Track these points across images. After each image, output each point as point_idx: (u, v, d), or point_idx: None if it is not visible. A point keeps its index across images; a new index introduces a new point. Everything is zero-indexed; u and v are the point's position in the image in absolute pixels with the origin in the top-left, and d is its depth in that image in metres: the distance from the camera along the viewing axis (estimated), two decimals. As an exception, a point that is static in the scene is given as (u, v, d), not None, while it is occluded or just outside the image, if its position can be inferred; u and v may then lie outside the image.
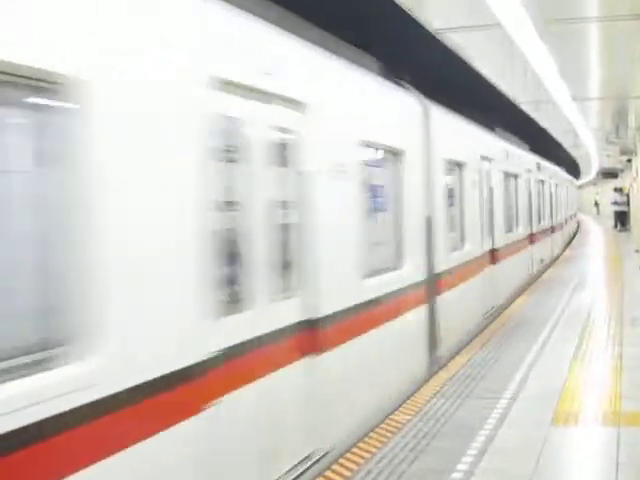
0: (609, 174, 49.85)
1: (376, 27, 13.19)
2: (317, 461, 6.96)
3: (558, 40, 12.63)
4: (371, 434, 7.91)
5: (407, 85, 11.37)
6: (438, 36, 11.50)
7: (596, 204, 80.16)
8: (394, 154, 9.99)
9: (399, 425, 8.20)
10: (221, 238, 5.58)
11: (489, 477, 6.67)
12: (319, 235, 7.10)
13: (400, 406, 8.93)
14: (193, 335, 5.14)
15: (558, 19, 11.23)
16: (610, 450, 7.19)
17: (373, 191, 9.40)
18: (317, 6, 9.62)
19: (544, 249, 25.44)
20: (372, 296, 8.62)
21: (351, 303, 7.99)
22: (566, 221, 36.78)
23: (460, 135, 14.01)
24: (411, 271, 10.26)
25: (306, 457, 6.81)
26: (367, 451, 7.40)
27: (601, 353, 11.40)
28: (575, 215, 48.84)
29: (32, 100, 4.14)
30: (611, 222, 49.02)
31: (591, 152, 39.21)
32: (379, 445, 7.56)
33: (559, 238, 31.42)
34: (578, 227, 50.53)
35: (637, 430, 7.76)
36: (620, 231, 44.01)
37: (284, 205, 6.72)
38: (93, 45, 4.30)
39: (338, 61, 8.38)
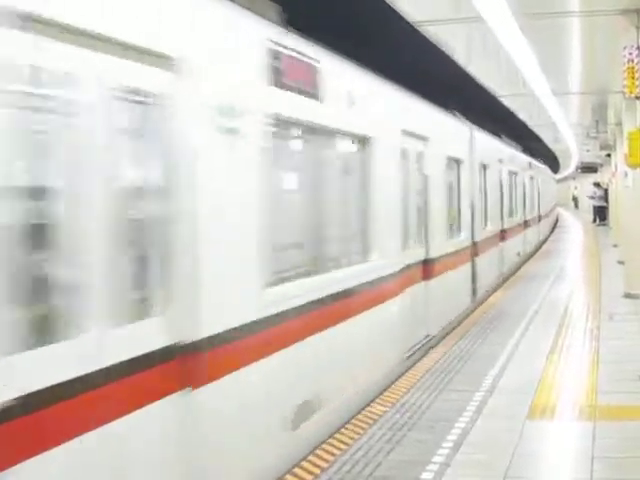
0: (589, 169, 49.98)
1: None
2: None
3: (539, 34, 12.67)
4: (347, 425, 7.90)
5: (458, 115, 16.16)
6: (418, 27, 11.51)
7: (574, 199, 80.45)
8: (457, 162, 15.14)
9: (375, 417, 8.19)
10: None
11: (465, 469, 6.67)
12: None
13: (377, 397, 8.94)
14: None
15: (539, 13, 11.26)
16: (585, 444, 7.21)
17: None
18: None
19: (517, 245, 24.80)
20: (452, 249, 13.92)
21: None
22: (543, 215, 36.81)
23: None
24: (466, 237, 15.65)
25: None
26: (343, 442, 7.39)
27: (578, 347, 11.45)
28: (553, 209, 48.95)
29: None
30: (590, 216, 49.25)
31: (571, 147, 39.37)
32: (355, 436, 7.55)
33: (534, 233, 31.16)
34: (557, 222, 50.71)
35: (612, 424, 7.78)
36: (598, 225, 44.19)
37: None
38: None
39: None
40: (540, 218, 34.25)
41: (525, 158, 28.35)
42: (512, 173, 23.54)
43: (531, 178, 30.42)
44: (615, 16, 11.51)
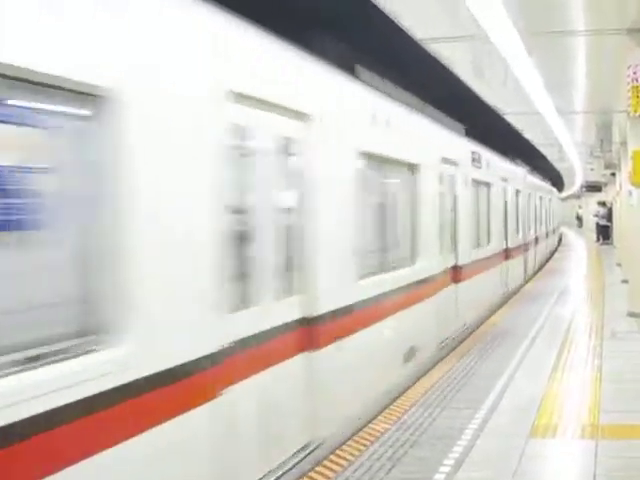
0: (593, 187, 50.01)
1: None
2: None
3: (544, 53, 12.69)
4: (349, 442, 7.89)
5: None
6: (422, 44, 11.54)
7: (578, 218, 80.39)
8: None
9: (377, 434, 8.18)
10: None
11: (466, 487, 6.67)
12: None
13: (380, 413, 8.93)
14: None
15: (544, 32, 11.29)
16: (587, 463, 7.19)
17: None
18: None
19: (534, 252, 27.95)
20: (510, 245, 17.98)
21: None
22: (547, 234, 37.06)
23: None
24: (498, 244, 19.19)
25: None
26: (344, 459, 7.38)
27: (581, 365, 11.42)
28: (557, 228, 48.97)
29: None
30: (593, 235, 49.22)
31: (575, 165, 39.38)
32: (357, 453, 7.54)
33: (537, 253, 31.30)
34: (560, 240, 50.68)
35: (615, 443, 7.76)
36: (602, 244, 44.15)
37: None
38: None
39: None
40: (547, 235, 36.07)
41: (534, 180, 29.35)
42: (517, 192, 24.25)
43: (540, 198, 31.97)
44: (620, 35, 11.53)
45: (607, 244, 42.69)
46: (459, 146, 15.54)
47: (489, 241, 18.52)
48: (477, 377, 10.77)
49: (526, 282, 24.33)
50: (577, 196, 72.73)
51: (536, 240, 29.51)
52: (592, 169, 37.33)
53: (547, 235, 35.80)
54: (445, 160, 13.59)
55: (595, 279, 25.13)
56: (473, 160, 16.66)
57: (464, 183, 15.21)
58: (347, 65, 9.24)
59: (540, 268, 30.21)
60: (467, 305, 14.75)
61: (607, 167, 31.94)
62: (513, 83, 15.30)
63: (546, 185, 37.59)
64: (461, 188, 14.90)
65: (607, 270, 27.69)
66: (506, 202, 21.31)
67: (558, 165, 41.03)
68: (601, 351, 12.42)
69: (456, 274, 14.21)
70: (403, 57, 12.99)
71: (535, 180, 30.45)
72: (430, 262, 12.19)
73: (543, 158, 35.22)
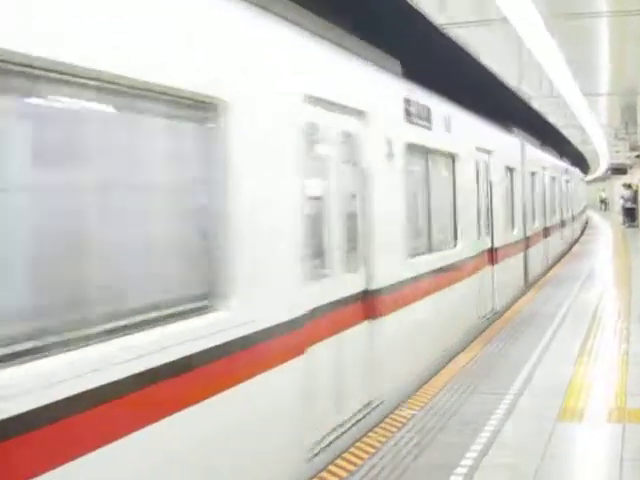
0: (618, 170, 49.69)
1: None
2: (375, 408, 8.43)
3: (567, 35, 12.61)
4: (376, 428, 7.90)
5: (514, 130, 19.13)
6: (442, 29, 11.49)
7: (602, 201, 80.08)
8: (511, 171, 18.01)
9: (404, 420, 8.19)
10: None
11: (493, 472, 6.66)
12: None
13: (409, 398, 8.94)
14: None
15: (567, 13, 11.20)
16: (615, 446, 7.17)
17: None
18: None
19: (557, 240, 28.05)
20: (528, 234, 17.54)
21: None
22: (577, 215, 37.60)
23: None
24: (520, 231, 18.72)
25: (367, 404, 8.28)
26: (371, 445, 7.39)
27: (608, 349, 11.38)
28: (584, 211, 48.91)
29: None
30: (619, 218, 48.96)
31: (600, 148, 39.16)
32: (383, 439, 7.55)
33: (569, 231, 32.29)
34: (586, 223, 50.48)
35: (642, 426, 7.74)
36: (628, 227, 43.90)
37: None
38: None
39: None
40: (574, 218, 36.34)
41: (562, 164, 29.90)
42: (552, 178, 26.29)
43: (566, 182, 32.69)
44: (644, 16, 11.44)
45: (633, 226, 42.45)
46: (492, 135, 16.36)
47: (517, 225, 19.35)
48: (504, 361, 10.75)
49: (552, 265, 25.07)
50: (603, 179, 72.38)
51: (562, 224, 30.24)
52: (617, 151, 37.10)
53: (573, 219, 36.20)
54: (479, 149, 14.53)
55: (621, 262, 25.01)
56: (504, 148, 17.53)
57: (497, 170, 16.13)
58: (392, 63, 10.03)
59: (567, 251, 30.44)
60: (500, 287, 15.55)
61: (632, 149, 31.74)
62: (536, 66, 15.22)
63: (573, 169, 37.78)
64: (495, 175, 15.84)
65: (633, 253, 27.53)
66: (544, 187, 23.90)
67: (583, 148, 40.80)
68: (628, 334, 12.36)
69: (492, 256, 15.12)
70: (426, 44, 12.98)
71: (562, 164, 31.15)
72: (469, 244, 13.22)
73: (567, 141, 35.05)
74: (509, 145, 18.49)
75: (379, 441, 7.51)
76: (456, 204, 12.70)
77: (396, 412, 8.48)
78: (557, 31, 12.10)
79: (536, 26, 11.59)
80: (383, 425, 8.02)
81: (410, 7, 10.24)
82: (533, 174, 21.63)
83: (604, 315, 14.52)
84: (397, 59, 10.11)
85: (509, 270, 16.73)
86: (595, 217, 62.60)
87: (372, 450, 7.26)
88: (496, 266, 15.26)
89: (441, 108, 11.72)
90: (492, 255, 15.09)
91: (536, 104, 21.89)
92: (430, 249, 11.19)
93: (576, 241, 35.03)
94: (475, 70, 15.36)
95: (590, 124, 27.15)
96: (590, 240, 37.38)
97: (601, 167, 56.11)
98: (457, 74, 15.79)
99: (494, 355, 11.20)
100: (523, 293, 18.18)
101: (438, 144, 11.65)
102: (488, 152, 15.25)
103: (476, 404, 8.72)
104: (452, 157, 12.58)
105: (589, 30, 12.67)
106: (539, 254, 22.12)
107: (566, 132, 31.48)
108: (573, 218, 36.01)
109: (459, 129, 12.63)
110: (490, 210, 15.26)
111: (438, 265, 11.18)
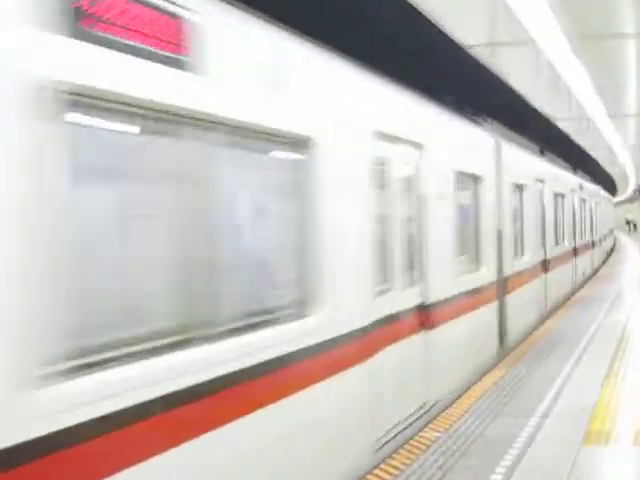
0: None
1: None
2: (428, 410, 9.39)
3: (593, 56, 12.58)
4: (400, 450, 7.88)
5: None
6: (471, 51, 11.50)
7: (628, 222, 79.82)
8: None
9: (428, 442, 8.16)
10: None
11: (517, 496, 6.62)
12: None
13: (432, 421, 8.91)
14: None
15: (593, 35, 11.18)
16: (641, 470, 7.12)
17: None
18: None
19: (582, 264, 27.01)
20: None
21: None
22: (597, 242, 35.39)
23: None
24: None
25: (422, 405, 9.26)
26: (395, 467, 7.37)
27: (634, 373, 11.29)
28: (609, 235, 48.12)
29: None
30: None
31: (628, 169, 38.98)
32: (407, 462, 7.53)
33: (587, 260, 29.94)
34: (614, 245, 50.13)
35: (669, 450, 7.68)
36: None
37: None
38: None
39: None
40: (593, 245, 32.71)
41: (575, 179, 27.58)
42: (558, 195, 22.14)
43: (582, 201, 28.51)
44: (670, 37, 11.40)
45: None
46: (534, 166, 17.76)
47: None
48: (529, 384, 10.70)
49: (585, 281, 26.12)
50: (631, 200, 72.04)
51: (592, 244, 31.04)
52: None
53: (592, 245, 32.70)
54: (536, 180, 16.18)
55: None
56: (543, 179, 18.49)
57: (535, 195, 16.98)
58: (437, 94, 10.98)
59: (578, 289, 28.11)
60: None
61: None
62: (563, 88, 15.19)
63: (594, 187, 36.91)
64: (545, 200, 17.47)
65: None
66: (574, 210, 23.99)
67: (611, 170, 40.63)
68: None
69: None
70: (453, 65, 13.01)
71: (574, 179, 28.77)
72: (488, 270, 13.13)
73: (594, 162, 34.90)
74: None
75: (403, 463, 7.50)
76: (479, 230, 12.88)
77: (420, 434, 8.45)
78: (584, 53, 12.08)
79: (563, 48, 11.58)
80: (407, 447, 8.00)
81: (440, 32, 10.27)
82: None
83: (631, 338, 14.41)
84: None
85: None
86: (623, 239, 62.24)
87: (396, 472, 7.24)
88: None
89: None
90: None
91: (563, 125, 21.84)
92: (475, 268, 12.28)
93: (597, 270, 32.64)
94: (506, 92, 15.37)
95: (618, 145, 27.06)
96: (617, 262, 37.16)
97: (629, 188, 55.86)
98: (488, 96, 15.81)
99: (520, 376, 11.15)
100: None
101: (478, 170, 12.61)
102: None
103: (500, 427, 8.70)
104: (475, 179, 12.69)
105: (616, 51, 12.64)
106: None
107: (594, 153, 31.38)
108: (593, 244, 32.59)
109: (479, 151, 13.15)
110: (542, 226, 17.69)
111: (472, 286, 11.78)
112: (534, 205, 17.15)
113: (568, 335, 14.87)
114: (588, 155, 31.30)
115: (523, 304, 15.67)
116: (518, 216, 15.66)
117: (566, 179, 22.70)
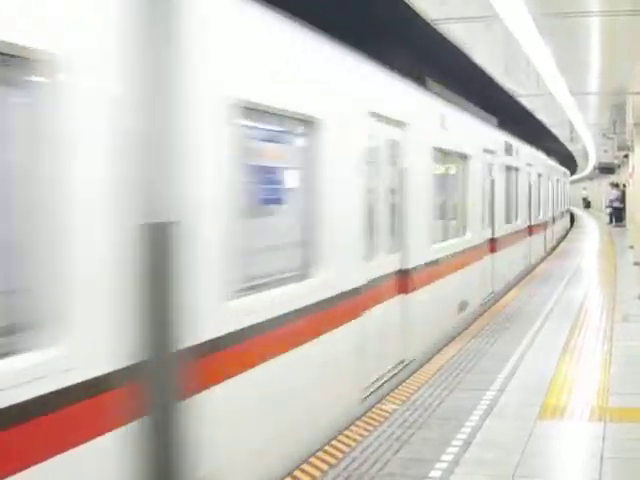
0: (606, 169, 49.71)
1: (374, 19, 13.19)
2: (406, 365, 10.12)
3: (557, 34, 12.62)
4: (357, 422, 7.93)
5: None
6: (435, 26, 11.49)
7: (584, 199, 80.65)
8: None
9: (386, 414, 8.22)
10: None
11: (473, 468, 6.69)
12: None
13: (388, 394, 8.97)
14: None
15: (558, 13, 11.21)
16: (595, 445, 7.21)
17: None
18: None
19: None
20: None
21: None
22: (555, 218, 34.87)
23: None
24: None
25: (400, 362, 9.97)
26: (352, 439, 7.42)
27: (591, 348, 11.42)
28: (567, 212, 47.71)
29: None
30: (603, 216, 49.04)
31: (588, 147, 39.21)
32: (365, 433, 7.58)
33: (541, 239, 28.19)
34: (572, 224, 50.30)
35: (623, 426, 7.77)
36: (615, 227, 43.99)
37: None
38: None
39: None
40: (554, 220, 32.84)
41: (551, 163, 28.15)
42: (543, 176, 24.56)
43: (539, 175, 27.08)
44: (635, 16, 11.45)
45: (620, 226, 42.52)
46: (495, 137, 17.95)
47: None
48: (487, 358, 10.80)
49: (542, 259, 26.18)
50: (590, 178, 72.58)
51: (553, 220, 31.69)
52: (605, 151, 37.14)
53: (559, 217, 34.78)
54: (486, 150, 16.18)
55: (607, 261, 25.09)
56: (505, 150, 18.74)
57: (499, 169, 17.65)
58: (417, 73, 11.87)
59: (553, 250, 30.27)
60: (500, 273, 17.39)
61: (620, 149, 31.75)
62: (525, 65, 15.23)
63: (559, 167, 36.92)
64: (497, 173, 17.41)
65: (619, 253, 27.59)
66: (530, 184, 23.53)
67: (572, 147, 40.83)
68: (611, 334, 12.41)
69: (492, 245, 16.70)
70: (417, 39, 13.02)
71: (550, 162, 29.74)
72: (476, 234, 14.92)
73: (555, 139, 35.06)
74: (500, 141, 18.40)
75: (361, 435, 7.54)
76: (466, 199, 14.59)
77: (378, 406, 8.51)
78: (547, 30, 12.11)
79: (526, 24, 11.60)
80: (365, 419, 8.05)
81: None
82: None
83: (588, 314, 14.57)
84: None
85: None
86: (582, 215, 62.69)
87: (353, 444, 7.29)
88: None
89: None
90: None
91: (525, 101, 21.91)
92: (447, 237, 13.17)
93: (554, 249, 31.39)
94: (466, 65, 15.37)
95: (578, 123, 27.19)
96: (576, 239, 37.46)
97: (589, 166, 56.19)
98: (448, 69, 15.83)
99: (478, 350, 11.24)
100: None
101: (454, 146, 13.61)
102: (491, 152, 16.93)
103: (458, 400, 8.79)
104: (465, 158, 14.44)
105: (579, 29, 12.68)
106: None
107: (555, 131, 31.52)
108: (553, 220, 32.11)
109: (470, 132, 15.22)
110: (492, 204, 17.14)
111: (452, 251, 12.92)
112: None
113: (524, 312, 14.99)
114: (549, 132, 31.46)
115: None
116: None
117: (523, 153, 21.96)
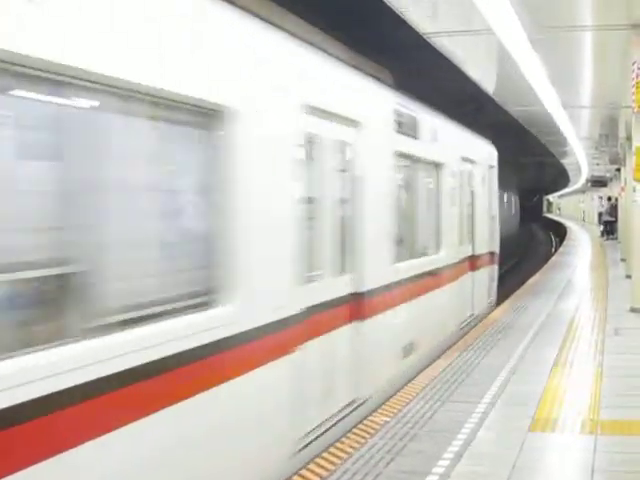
0: (598, 182, 49.83)
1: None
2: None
3: (550, 47, 12.68)
4: (349, 434, 7.92)
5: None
6: (427, 39, 11.54)
7: (583, 212, 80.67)
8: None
9: (377, 426, 8.21)
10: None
11: (465, 480, 6.69)
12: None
13: (379, 407, 8.96)
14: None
15: (550, 27, 11.27)
16: (586, 458, 7.20)
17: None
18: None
19: None
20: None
21: None
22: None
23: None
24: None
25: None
26: (344, 451, 7.41)
27: (582, 361, 11.42)
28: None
29: None
30: (596, 229, 49.15)
31: (580, 160, 39.32)
32: (356, 446, 7.57)
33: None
34: (565, 235, 50.37)
35: (614, 438, 7.76)
36: (607, 240, 44.06)
37: None
38: None
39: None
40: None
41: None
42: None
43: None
44: (626, 31, 11.52)
45: (612, 239, 42.58)
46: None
47: None
48: (478, 371, 10.79)
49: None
50: (582, 191, 72.73)
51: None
52: (597, 164, 37.24)
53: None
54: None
55: (599, 274, 25.10)
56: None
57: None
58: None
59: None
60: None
61: (612, 162, 31.85)
62: (519, 78, 15.28)
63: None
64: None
65: (611, 265, 27.62)
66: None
67: (564, 160, 40.95)
68: (603, 347, 12.41)
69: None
70: (410, 53, 13.05)
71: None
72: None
73: (549, 153, 35.17)
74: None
75: (352, 447, 7.53)
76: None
77: (369, 419, 8.50)
78: (540, 44, 12.17)
79: (520, 38, 11.66)
80: (356, 431, 8.04)
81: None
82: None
83: (580, 327, 14.56)
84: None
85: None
86: (574, 228, 62.77)
87: (345, 455, 7.28)
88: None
89: None
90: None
91: (517, 114, 21.98)
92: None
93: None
94: (459, 80, 15.44)
95: (571, 136, 27.27)
96: (567, 252, 37.49)
97: (581, 179, 56.34)
98: (441, 82, 15.88)
99: (469, 363, 11.23)
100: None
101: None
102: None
103: (449, 412, 8.74)
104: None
105: (572, 43, 12.75)
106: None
107: (548, 144, 31.60)
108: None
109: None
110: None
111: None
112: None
113: (515, 326, 14.99)
114: (542, 145, 31.55)
115: None
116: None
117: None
